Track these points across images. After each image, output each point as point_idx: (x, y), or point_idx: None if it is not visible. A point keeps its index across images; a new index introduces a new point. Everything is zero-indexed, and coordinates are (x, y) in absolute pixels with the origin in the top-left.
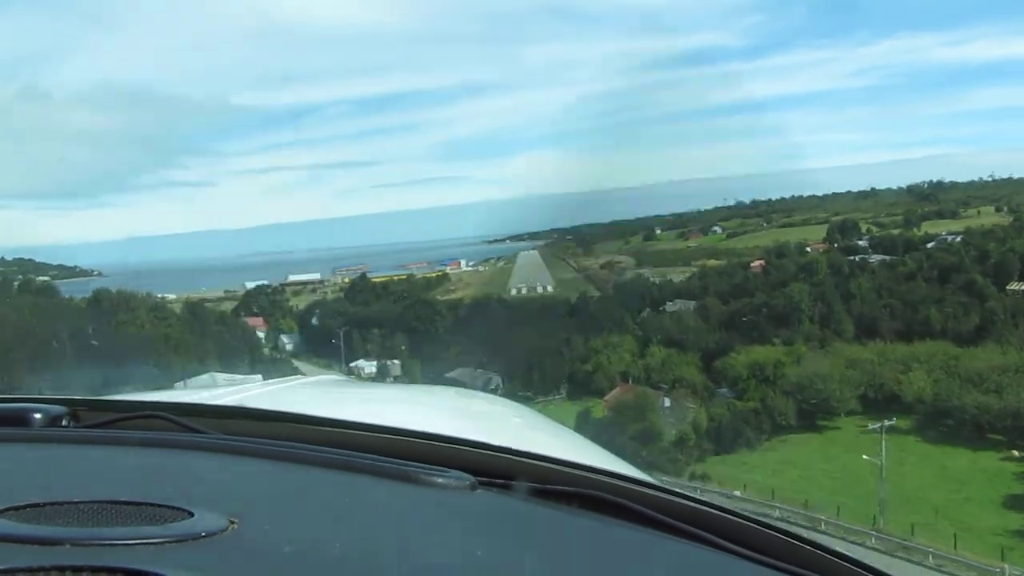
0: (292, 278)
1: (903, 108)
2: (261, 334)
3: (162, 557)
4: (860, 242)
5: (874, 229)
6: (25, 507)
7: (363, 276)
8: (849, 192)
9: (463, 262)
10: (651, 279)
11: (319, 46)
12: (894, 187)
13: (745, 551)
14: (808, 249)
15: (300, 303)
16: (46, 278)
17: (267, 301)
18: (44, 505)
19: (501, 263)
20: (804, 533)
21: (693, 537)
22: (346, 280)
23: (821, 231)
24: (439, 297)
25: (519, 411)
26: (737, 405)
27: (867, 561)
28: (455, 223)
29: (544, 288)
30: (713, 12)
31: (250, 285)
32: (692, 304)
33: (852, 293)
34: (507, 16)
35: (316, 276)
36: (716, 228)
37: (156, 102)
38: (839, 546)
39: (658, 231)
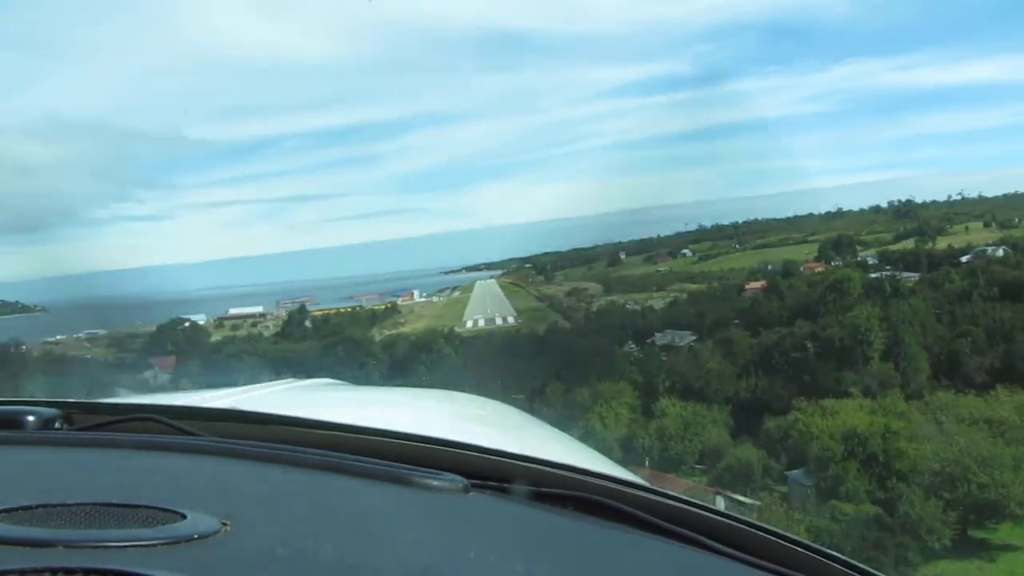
0: (233, 311)
1: (857, 133)
2: (166, 375)
3: (155, 559)
4: (869, 259)
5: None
6: (17, 509)
7: (302, 308)
8: (812, 214)
9: (416, 293)
10: (627, 306)
11: (275, 79)
12: (857, 208)
13: (738, 553)
14: (802, 269)
15: (229, 338)
16: None
17: (183, 337)
18: (36, 507)
19: (456, 293)
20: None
21: (687, 540)
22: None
23: (802, 250)
24: (386, 332)
25: (512, 414)
26: (843, 511)
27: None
28: (412, 255)
29: (505, 319)
30: (664, 41)
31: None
32: (688, 335)
33: (907, 319)
34: (463, 46)
35: (259, 309)
36: (685, 251)
37: (109, 134)
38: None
39: (622, 256)
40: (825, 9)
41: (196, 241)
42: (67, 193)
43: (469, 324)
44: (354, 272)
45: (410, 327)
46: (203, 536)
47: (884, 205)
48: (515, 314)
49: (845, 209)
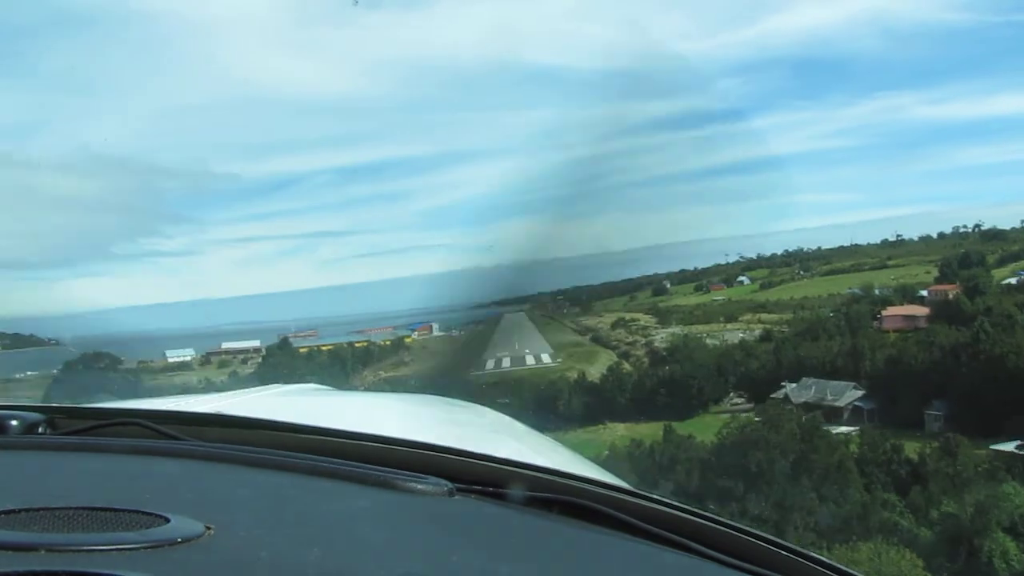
0: (226, 345)
1: (885, 167)
2: None
3: (138, 563)
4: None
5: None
6: (0, 513)
7: (284, 343)
8: (869, 244)
9: (435, 327)
10: (707, 341)
11: (302, 115)
12: (909, 237)
13: (722, 556)
14: (924, 293)
15: (199, 375)
16: None
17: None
18: (20, 511)
19: (480, 327)
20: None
21: (671, 543)
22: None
23: (888, 275)
24: (382, 373)
25: (498, 419)
26: None
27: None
28: (442, 291)
29: (538, 358)
30: (691, 76)
31: (171, 355)
32: (848, 388)
33: None
34: (489, 83)
35: (255, 344)
36: (743, 279)
37: (138, 169)
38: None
39: (667, 284)
40: (855, 43)
41: (223, 277)
42: (96, 228)
43: (490, 364)
44: (380, 308)
45: (412, 368)
46: (186, 540)
47: (948, 231)
48: (551, 351)
49: (906, 237)
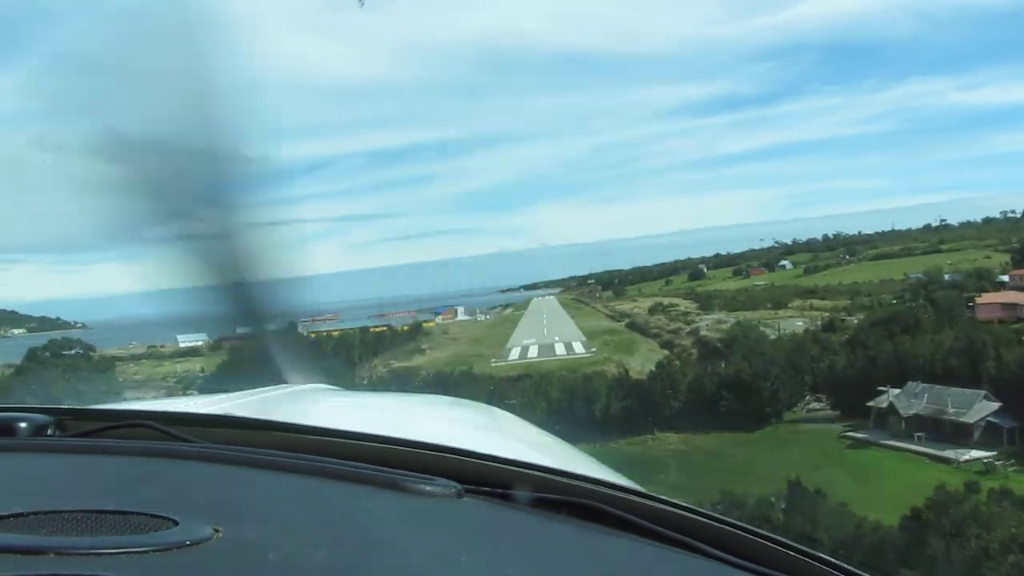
0: (240, 331)
1: (918, 153)
2: None
3: (147, 566)
4: None
5: None
6: (9, 516)
7: (291, 327)
8: (911, 229)
9: (461, 310)
10: (767, 332)
11: (334, 98)
12: (956, 223)
13: (731, 557)
14: (1005, 278)
15: (203, 362)
16: (22, 330)
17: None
18: (28, 515)
19: (509, 310)
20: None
21: (681, 544)
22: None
23: (945, 260)
24: (393, 363)
25: (507, 420)
26: None
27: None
28: (470, 274)
29: (569, 346)
30: (723, 61)
31: (182, 340)
32: (981, 396)
33: None
34: (522, 67)
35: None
36: (785, 263)
37: (170, 152)
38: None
39: (704, 268)
40: (887, 28)
41: (252, 261)
42: (126, 211)
43: (515, 354)
44: (409, 291)
45: (428, 357)
46: (195, 543)
47: (995, 215)
48: (584, 339)
49: (949, 222)
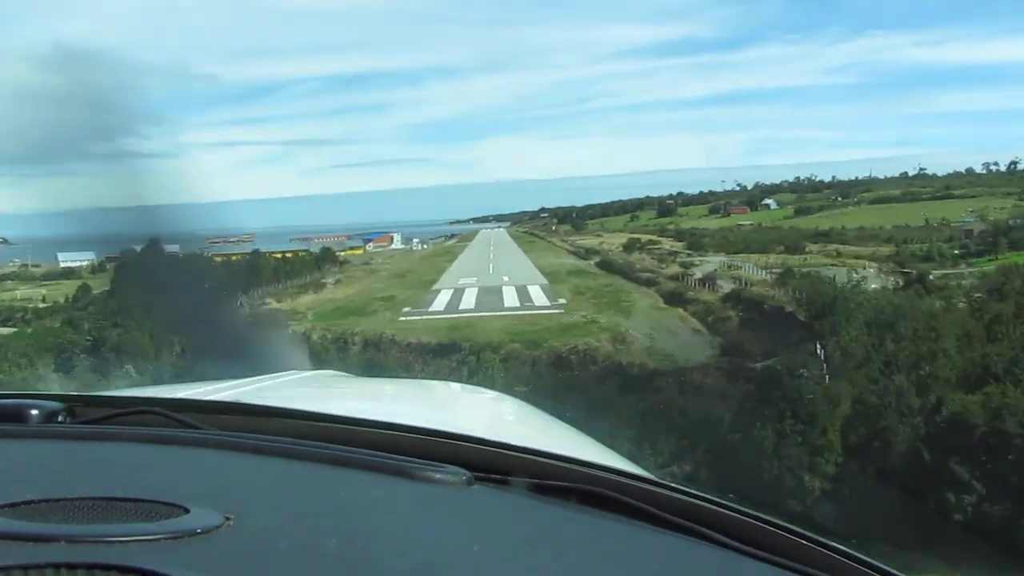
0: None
1: (874, 107)
2: None
3: (157, 554)
4: None
5: None
6: (20, 504)
7: (153, 245)
8: (890, 177)
9: (397, 237)
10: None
11: (288, 21)
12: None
13: (744, 547)
14: None
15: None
16: None
17: None
18: (39, 502)
19: (452, 241)
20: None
21: (692, 532)
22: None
23: (961, 207)
24: (278, 301)
25: (517, 406)
26: None
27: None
28: (420, 205)
29: (524, 293)
30: (686, 2)
31: (63, 259)
32: None
33: None
34: None
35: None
36: (769, 202)
37: (115, 65)
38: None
39: (673, 204)
40: None
41: (201, 181)
42: (69, 124)
43: (441, 300)
44: (356, 220)
45: (320, 297)
46: (206, 530)
47: (977, 168)
48: (545, 282)
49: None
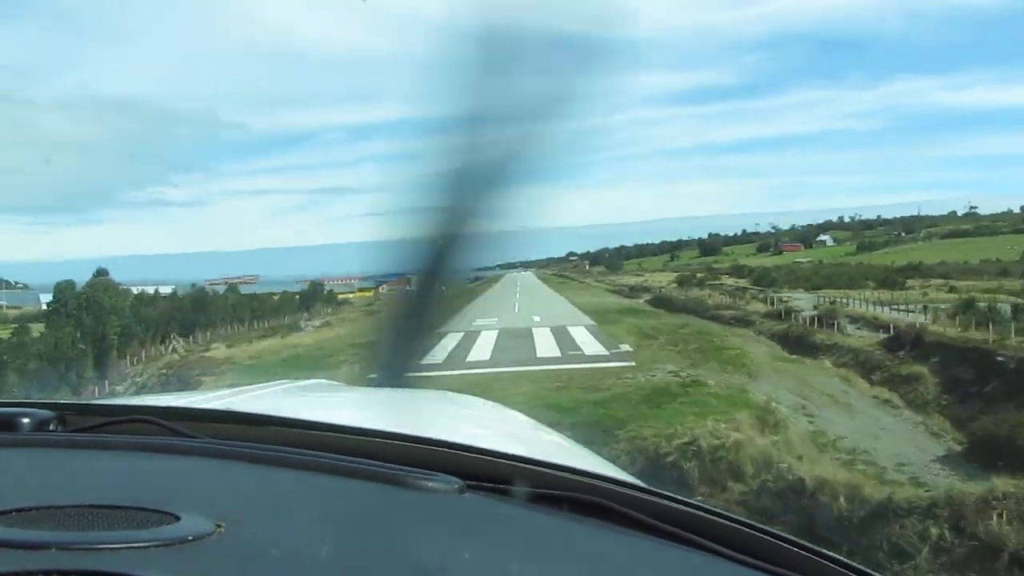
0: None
1: (901, 151)
2: None
3: (149, 561)
4: None
5: None
6: (11, 511)
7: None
8: (939, 215)
9: (415, 280)
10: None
11: (316, 70)
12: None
13: (736, 554)
14: None
15: None
16: None
17: None
18: (31, 509)
19: (474, 284)
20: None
21: (685, 541)
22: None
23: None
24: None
25: (510, 416)
26: None
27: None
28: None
29: (564, 337)
30: (708, 50)
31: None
32: None
33: None
34: (508, 46)
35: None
36: (825, 238)
37: (145, 115)
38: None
39: (717, 244)
40: (878, 24)
41: (231, 229)
42: (102, 173)
43: (444, 345)
44: (385, 268)
45: (285, 342)
46: (197, 538)
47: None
48: (591, 322)
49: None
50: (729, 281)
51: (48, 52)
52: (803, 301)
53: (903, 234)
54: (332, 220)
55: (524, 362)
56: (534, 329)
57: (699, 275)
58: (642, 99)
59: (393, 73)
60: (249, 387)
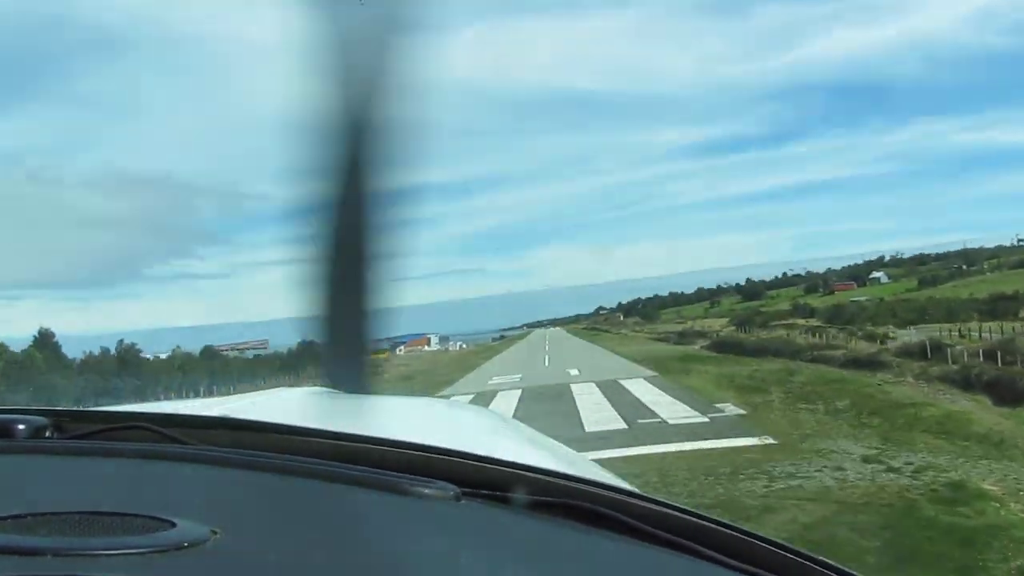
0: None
1: (924, 194)
2: None
3: (145, 567)
4: None
5: None
6: (7, 518)
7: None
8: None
9: (433, 339)
10: None
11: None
12: None
13: (732, 560)
14: None
15: None
16: None
17: None
18: (26, 516)
19: (498, 343)
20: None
21: (680, 547)
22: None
23: None
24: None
25: (505, 422)
26: None
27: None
28: (470, 316)
29: (624, 398)
30: (730, 101)
31: None
32: None
33: None
34: (527, 108)
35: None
36: (879, 275)
37: (170, 190)
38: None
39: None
40: (895, 68)
41: (257, 300)
42: (128, 248)
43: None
44: (411, 333)
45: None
46: (193, 544)
47: None
48: (653, 373)
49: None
50: (799, 321)
51: (74, 132)
52: (913, 336)
53: (964, 267)
54: None
55: (565, 438)
56: (573, 386)
57: (767, 312)
58: (662, 154)
59: (414, 135)
60: (245, 394)
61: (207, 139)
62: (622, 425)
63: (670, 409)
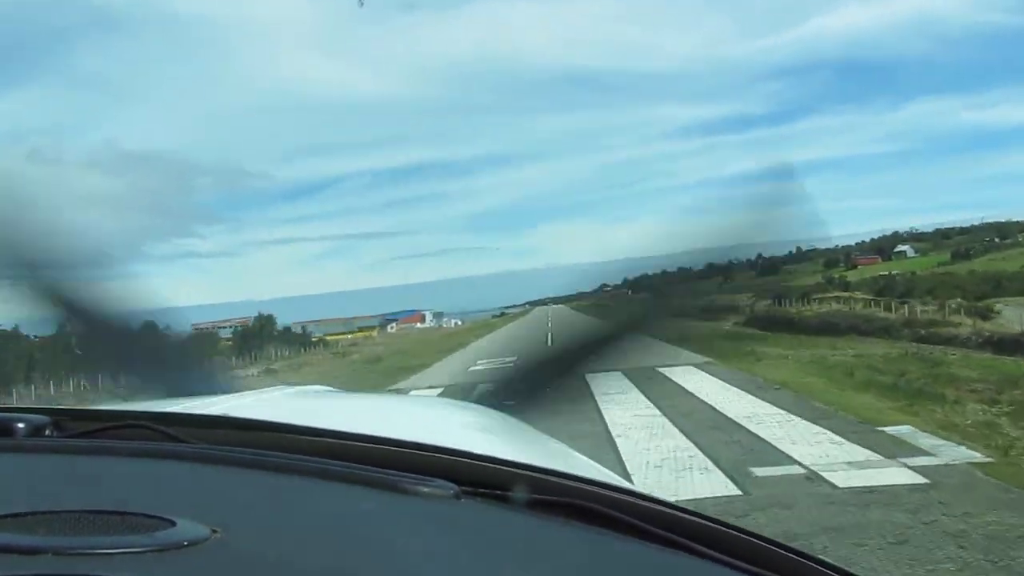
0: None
1: (928, 173)
2: None
3: (144, 566)
4: None
5: None
6: (6, 517)
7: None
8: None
9: (428, 316)
10: None
11: (342, 117)
12: None
13: (735, 561)
14: None
15: None
16: None
17: None
18: (26, 515)
19: (495, 320)
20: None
21: (681, 547)
22: None
23: None
24: None
25: (506, 421)
26: None
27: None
28: (474, 294)
29: (673, 394)
30: (735, 80)
31: None
32: None
33: None
34: (532, 87)
35: None
36: (905, 249)
37: (171, 168)
38: None
39: (782, 263)
40: (900, 45)
41: (263, 279)
42: (128, 227)
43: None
44: (414, 308)
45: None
46: (193, 543)
47: None
48: (705, 359)
49: None
50: (836, 294)
51: (74, 111)
52: (1012, 310)
53: (997, 240)
54: (365, 266)
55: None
56: (591, 380)
57: (803, 285)
58: (664, 132)
59: (415, 117)
60: (245, 392)
61: (208, 118)
62: (724, 487)
63: (795, 434)
